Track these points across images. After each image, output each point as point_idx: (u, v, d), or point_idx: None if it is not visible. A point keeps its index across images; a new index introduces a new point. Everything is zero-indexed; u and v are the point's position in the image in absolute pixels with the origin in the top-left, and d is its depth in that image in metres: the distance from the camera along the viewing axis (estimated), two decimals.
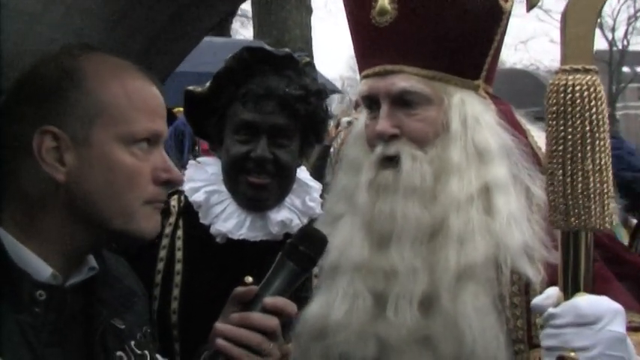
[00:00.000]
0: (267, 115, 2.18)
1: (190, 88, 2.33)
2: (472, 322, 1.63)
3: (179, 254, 2.25)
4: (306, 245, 1.60)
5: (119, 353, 1.49)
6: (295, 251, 1.59)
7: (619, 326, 1.36)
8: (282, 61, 2.24)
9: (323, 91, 2.30)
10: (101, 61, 1.43)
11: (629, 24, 32.33)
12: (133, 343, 1.53)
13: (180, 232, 2.28)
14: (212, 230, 2.25)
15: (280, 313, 1.54)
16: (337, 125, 5.73)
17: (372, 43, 1.83)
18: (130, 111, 1.40)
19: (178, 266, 2.24)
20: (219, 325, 1.53)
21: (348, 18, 1.93)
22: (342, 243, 1.81)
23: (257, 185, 2.21)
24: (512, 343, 1.66)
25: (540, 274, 1.64)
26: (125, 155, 1.39)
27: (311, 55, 9.21)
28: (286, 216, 2.25)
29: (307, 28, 9.13)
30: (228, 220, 2.24)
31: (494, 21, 1.80)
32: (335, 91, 8.90)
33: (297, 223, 2.26)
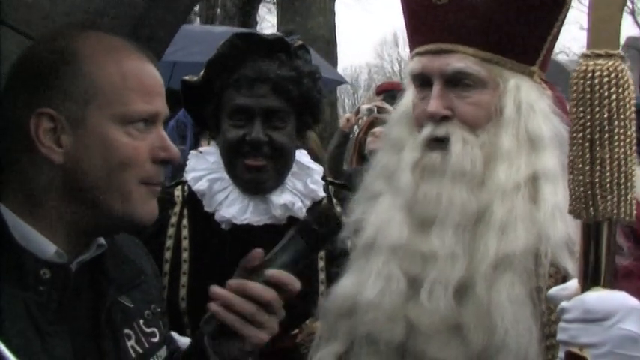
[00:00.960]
0: (260, 98, 2.21)
1: (186, 77, 2.37)
2: (506, 312, 1.59)
3: (185, 243, 2.29)
4: (320, 224, 1.60)
5: (127, 331, 1.51)
6: (308, 229, 1.59)
7: (632, 324, 1.29)
8: (273, 44, 2.26)
9: (316, 72, 2.31)
10: (96, 41, 1.43)
11: None
12: (141, 321, 1.54)
13: (185, 221, 2.31)
14: (217, 217, 2.28)
15: (281, 287, 1.54)
16: (357, 113, 5.68)
17: (427, 19, 1.78)
18: (126, 91, 1.40)
19: (185, 254, 2.28)
20: (215, 289, 1.54)
21: None
22: (380, 222, 1.79)
23: (254, 167, 2.23)
24: (544, 338, 1.60)
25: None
26: (121, 135, 1.39)
27: (334, 42, 9.16)
28: (289, 199, 2.28)
29: (331, 14, 9.07)
30: (232, 206, 2.28)
31: (557, 6, 1.75)
32: (341, 81, 8.84)
33: (299, 206, 2.29)
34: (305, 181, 2.34)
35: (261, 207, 2.27)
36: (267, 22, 22.32)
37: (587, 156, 1.31)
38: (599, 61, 1.31)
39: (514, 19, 1.72)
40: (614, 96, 1.30)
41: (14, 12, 1.61)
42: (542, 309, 1.61)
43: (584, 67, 1.32)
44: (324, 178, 2.42)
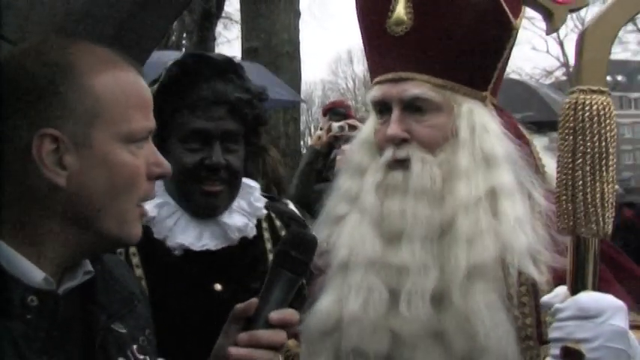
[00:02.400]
0: (218, 121, 2.17)
1: None
2: (484, 317, 1.72)
3: (139, 271, 2.20)
4: (298, 250, 1.59)
5: (120, 359, 1.44)
6: (288, 258, 1.58)
7: (620, 321, 1.48)
8: (224, 64, 2.25)
9: (263, 93, 2.32)
10: (91, 53, 1.35)
11: None
12: (135, 347, 1.48)
13: (133, 249, 2.20)
14: (169, 243, 2.21)
15: (286, 325, 1.55)
16: (328, 130, 5.79)
17: (386, 50, 1.92)
18: (128, 109, 1.35)
19: (142, 283, 2.16)
20: (232, 350, 1.52)
21: (361, 25, 2.01)
22: (351, 240, 1.89)
23: (211, 193, 2.20)
24: (521, 340, 1.75)
25: (544, 275, 1.75)
26: (125, 155, 1.34)
27: (299, 59, 9.27)
28: (241, 221, 2.27)
29: (295, 31, 9.19)
30: (186, 232, 2.22)
31: (504, 36, 1.91)
32: (300, 101, 8.78)
33: (251, 226, 2.30)
34: (249, 200, 2.33)
35: (217, 231, 2.24)
36: (224, 38, 22.34)
37: (588, 179, 1.48)
38: (594, 96, 1.50)
39: (466, 50, 1.87)
40: (608, 127, 1.49)
41: None
42: (515, 314, 1.76)
43: (581, 100, 1.50)
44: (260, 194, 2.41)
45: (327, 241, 1.94)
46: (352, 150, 2.06)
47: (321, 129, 6.08)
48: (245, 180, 2.37)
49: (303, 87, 9.94)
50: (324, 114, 6.44)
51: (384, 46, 1.92)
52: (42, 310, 1.28)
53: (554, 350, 1.52)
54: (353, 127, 5.67)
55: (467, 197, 1.81)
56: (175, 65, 2.22)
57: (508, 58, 1.97)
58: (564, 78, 39.70)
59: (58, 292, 1.34)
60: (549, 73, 37.96)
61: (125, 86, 1.35)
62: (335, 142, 5.81)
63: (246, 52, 8.77)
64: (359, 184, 1.94)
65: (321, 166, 6.04)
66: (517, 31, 1.92)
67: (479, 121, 1.88)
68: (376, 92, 1.93)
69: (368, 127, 2.03)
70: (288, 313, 1.55)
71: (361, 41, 2.04)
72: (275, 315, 1.53)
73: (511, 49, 1.96)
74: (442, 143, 1.87)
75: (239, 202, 2.31)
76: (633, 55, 37.47)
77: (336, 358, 1.86)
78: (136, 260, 2.20)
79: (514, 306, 1.76)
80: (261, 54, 8.77)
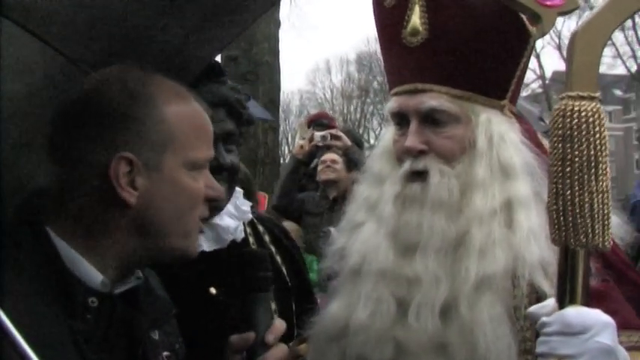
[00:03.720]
0: (220, 122, 2.18)
1: None
2: (487, 330, 1.70)
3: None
4: (261, 269, 1.73)
5: None
6: (259, 280, 1.71)
7: (607, 338, 1.42)
8: (215, 69, 2.27)
9: (248, 95, 2.37)
10: (167, 86, 1.49)
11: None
12: (165, 354, 1.59)
13: None
14: None
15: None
16: (311, 139, 5.77)
17: (402, 61, 1.91)
18: (196, 139, 1.49)
19: None
20: None
21: (379, 35, 2.00)
22: (366, 248, 1.89)
23: None
24: (522, 353, 1.72)
25: (554, 288, 1.66)
26: (189, 179, 1.47)
27: (278, 68, 9.24)
28: (232, 223, 2.28)
29: (275, 40, 9.16)
30: None
31: (521, 44, 1.88)
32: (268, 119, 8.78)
33: (241, 228, 2.32)
34: (235, 203, 2.35)
35: (210, 234, 2.25)
36: None
37: (576, 188, 1.43)
38: (584, 102, 1.45)
39: (483, 59, 1.85)
40: (598, 134, 1.43)
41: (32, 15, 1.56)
42: (520, 326, 1.73)
43: (570, 107, 1.45)
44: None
45: (344, 246, 1.97)
46: (372, 159, 2.07)
47: (303, 138, 6.08)
48: None
49: (281, 96, 9.89)
50: (308, 125, 6.48)
51: (400, 58, 1.92)
52: (101, 311, 1.40)
53: None
54: (336, 137, 5.65)
55: (482, 209, 1.79)
56: None
57: (526, 66, 1.94)
58: (540, 90, 40.17)
59: (115, 295, 1.45)
60: (526, 85, 38.33)
61: (193, 118, 1.50)
62: (317, 151, 5.83)
63: (226, 60, 8.70)
64: (378, 193, 1.94)
65: (302, 174, 6.04)
66: (535, 39, 1.89)
67: (497, 131, 1.86)
68: (393, 104, 1.93)
69: (387, 137, 2.03)
70: (277, 330, 1.69)
71: (380, 53, 2.05)
72: (270, 337, 1.67)
73: (529, 57, 1.92)
74: (460, 154, 1.85)
75: (227, 206, 2.31)
76: (608, 68, 37.74)
77: None
78: None
79: (519, 318, 1.73)
80: (240, 62, 8.72)
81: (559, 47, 35.51)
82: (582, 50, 1.46)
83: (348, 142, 5.68)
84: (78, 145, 1.42)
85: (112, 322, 1.43)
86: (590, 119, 1.43)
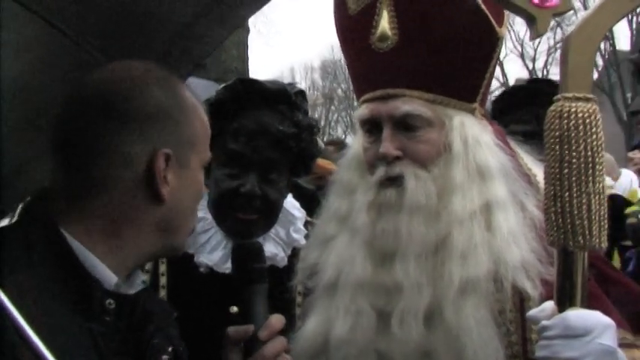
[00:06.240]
0: (259, 150, 2.17)
1: None
2: (473, 334, 1.67)
3: (163, 280, 2.21)
4: (256, 260, 1.73)
5: None
6: (254, 272, 1.71)
7: (609, 340, 1.43)
8: (275, 95, 2.23)
9: (315, 125, 2.31)
10: (187, 90, 1.57)
11: (549, 54, 34.01)
12: (164, 357, 1.56)
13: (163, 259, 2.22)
14: (196, 260, 2.22)
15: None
16: None
17: (372, 67, 1.87)
18: (207, 140, 1.58)
19: (162, 292, 2.20)
20: None
21: (343, 44, 1.97)
22: (340, 261, 1.85)
23: (245, 221, 2.19)
24: (508, 358, 1.71)
25: (537, 289, 1.69)
26: (201, 178, 1.56)
27: (247, 75, 9.20)
28: (272, 250, 2.24)
29: (244, 47, 9.12)
30: (214, 252, 2.22)
31: (491, 45, 1.88)
32: None
33: (282, 256, 2.27)
34: (288, 229, 2.30)
35: None
36: None
37: (574, 190, 1.42)
38: (580, 104, 1.45)
39: (454, 62, 1.83)
40: (594, 136, 1.44)
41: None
42: (505, 330, 1.72)
43: (566, 108, 1.45)
44: (306, 223, 2.38)
45: (317, 262, 1.92)
46: (340, 169, 2.02)
47: None
48: (292, 208, 2.35)
49: None
50: None
51: (369, 64, 1.88)
52: (119, 312, 1.40)
53: None
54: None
55: (462, 211, 1.77)
56: (225, 89, 2.25)
57: (495, 68, 1.94)
58: None
59: (132, 296, 1.46)
60: (489, 92, 38.82)
61: (205, 121, 1.58)
62: None
63: (195, 67, 8.63)
64: (349, 203, 1.90)
65: None
66: (502, 39, 1.89)
67: (471, 134, 1.84)
68: (364, 110, 1.89)
69: (355, 146, 1.99)
70: (273, 326, 1.68)
71: (344, 60, 2.01)
72: (264, 333, 1.65)
73: (497, 58, 1.92)
74: (436, 158, 1.83)
75: (277, 230, 2.28)
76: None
77: None
78: (162, 268, 2.22)
79: (506, 321, 1.73)
80: (209, 69, 8.64)
81: (522, 55, 36.04)
82: (577, 51, 1.46)
83: None
84: (106, 139, 1.41)
85: (132, 322, 1.44)
86: (587, 120, 1.44)
